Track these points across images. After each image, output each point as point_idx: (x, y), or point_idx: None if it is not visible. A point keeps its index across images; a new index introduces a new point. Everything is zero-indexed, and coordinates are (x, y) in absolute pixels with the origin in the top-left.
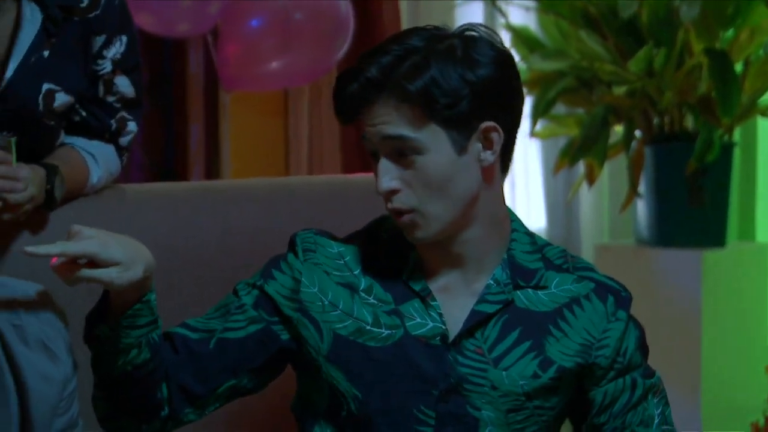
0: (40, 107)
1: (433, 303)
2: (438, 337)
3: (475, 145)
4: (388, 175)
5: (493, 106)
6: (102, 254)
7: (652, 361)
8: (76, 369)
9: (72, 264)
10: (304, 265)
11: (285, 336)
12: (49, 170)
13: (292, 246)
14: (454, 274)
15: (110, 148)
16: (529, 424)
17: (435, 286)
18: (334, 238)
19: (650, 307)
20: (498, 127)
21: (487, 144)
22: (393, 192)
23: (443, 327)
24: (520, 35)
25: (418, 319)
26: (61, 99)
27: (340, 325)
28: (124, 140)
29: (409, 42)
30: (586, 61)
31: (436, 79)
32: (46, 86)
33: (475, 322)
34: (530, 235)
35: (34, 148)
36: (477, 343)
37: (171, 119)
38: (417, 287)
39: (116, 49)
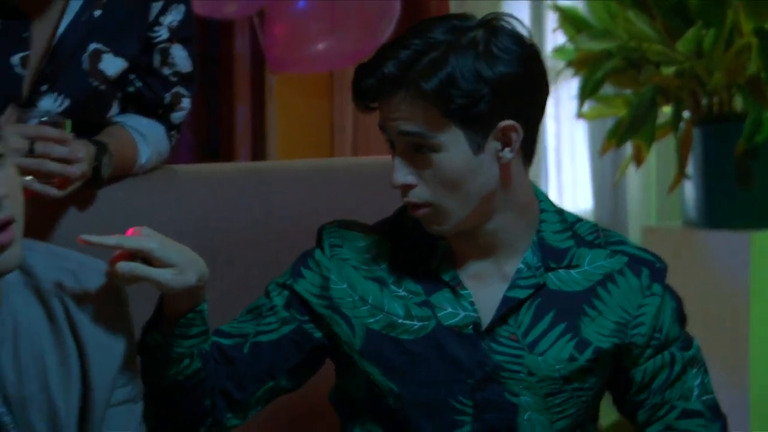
0: (84, 66)
1: (463, 292)
2: (471, 326)
3: (493, 144)
4: (403, 170)
5: (514, 104)
6: (158, 252)
7: (699, 344)
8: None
9: (128, 259)
10: (331, 261)
11: (318, 334)
12: (98, 147)
13: (318, 241)
14: (484, 261)
15: (160, 129)
16: (568, 407)
17: (465, 274)
18: (361, 229)
19: (697, 289)
20: (517, 125)
21: (506, 142)
22: (408, 186)
23: (475, 315)
24: (568, 15)
25: (450, 309)
26: (111, 61)
27: (372, 320)
28: (176, 116)
29: (430, 35)
30: (634, 42)
31: (453, 78)
32: (93, 46)
33: (508, 309)
34: (560, 212)
35: (85, 117)
36: (511, 330)
37: (217, 100)
38: (446, 277)
39: (173, 17)
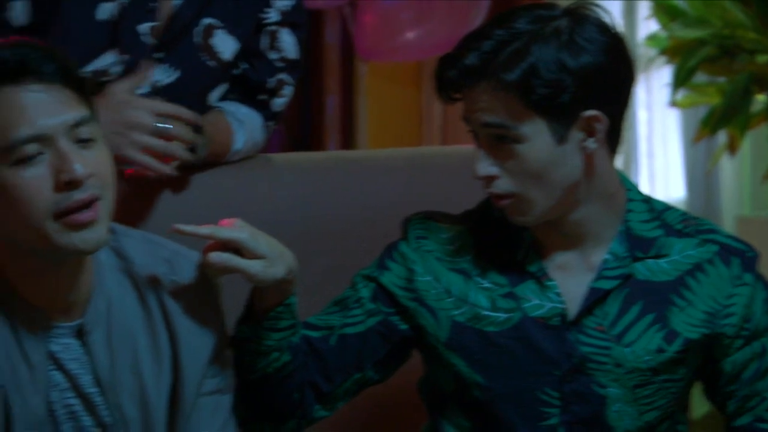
0: (196, 39)
1: (549, 283)
2: (557, 318)
3: (577, 134)
4: (485, 162)
5: (598, 95)
6: (249, 243)
7: None
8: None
9: (220, 250)
10: (416, 253)
11: (404, 326)
12: (196, 129)
13: (404, 233)
14: (569, 252)
15: (258, 118)
16: (657, 398)
17: (551, 264)
18: (446, 221)
19: None
20: (602, 115)
21: (590, 132)
22: (491, 178)
23: (561, 307)
24: (662, 3)
25: (536, 301)
26: (223, 39)
27: (457, 312)
28: (277, 103)
29: (513, 25)
30: (728, 29)
31: (535, 69)
32: (207, 20)
33: (594, 300)
34: (647, 201)
35: (190, 92)
36: (597, 321)
37: (307, 90)
38: (532, 268)
39: (286, 1)
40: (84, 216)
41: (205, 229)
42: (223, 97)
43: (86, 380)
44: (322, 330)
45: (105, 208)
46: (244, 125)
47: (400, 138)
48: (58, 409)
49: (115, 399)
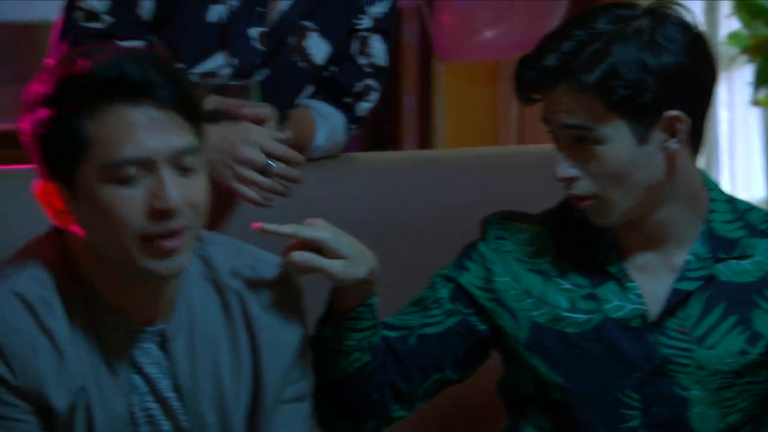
0: (290, 41)
1: (630, 284)
2: (638, 319)
3: (658, 134)
4: (566, 163)
5: (680, 95)
6: (332, 243)
7: None
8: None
9: (301, 249)
10: (495, 253)
11: (482, 327)
12: (282, 119)
13: (482, 233)
14: (650, 252)
15: (342, 119)
16: (740, 400)
17: (632, 265)
18: (524, 221)
19: None
20: (683, 116)
21: (672, 132)
22: (571, 179)
23: (642, 308)
24: (744, 1)
25: (616, 302)
26: (317, 42)
27: (537, 313)
28: (363, 107)
29: (593, 25)
30: None
31: (616, 69)
32: (303, 22)
33: (676, 301)
34: (730, 201)
35: (277, 93)
36: (679, 323)
37: (385, 89)
38: (613, 269)
39: (380, 8)
40: (170, 244)
41: (287, 228)
42: (310, 97)
43: (165, 385)
44: (401, 330)
45: (192, 236)
46: (327, 122)
47: (476, 137)
48: (137, 412)
49: (195, 405)
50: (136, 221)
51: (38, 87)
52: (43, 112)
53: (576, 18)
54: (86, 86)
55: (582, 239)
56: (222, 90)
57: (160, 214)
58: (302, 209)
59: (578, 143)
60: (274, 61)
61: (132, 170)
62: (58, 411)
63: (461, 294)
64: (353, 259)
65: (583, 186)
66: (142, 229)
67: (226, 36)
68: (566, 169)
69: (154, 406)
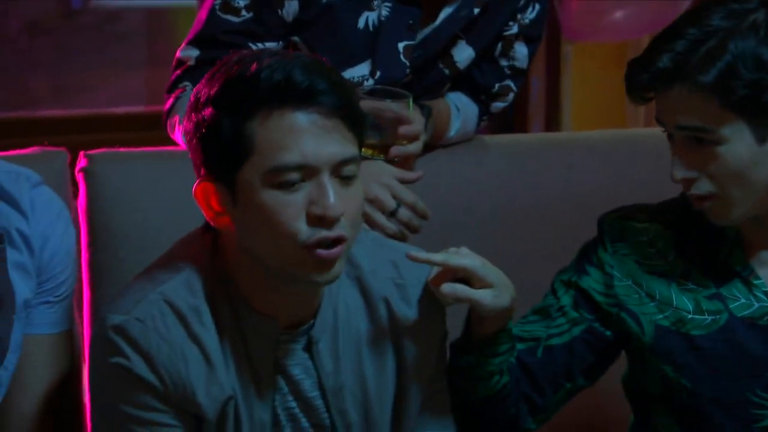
0: (436, 48)
1: (756, 282)
2: (766, 317)
3: None
4: (682, 164)
5: None
6: (480, 271)
7: None
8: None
9: (446, 277)
10: (613, 258)
11: (608, 332)
12: (425, 112)
13: (600, 234)
14: None
15: (475, 110)
16: None
17: (757, 262)
18: (642, 218)
19: None
20: None
21: None
22: (689, 180)
23: None
24: None
25: (743, 300)
26: (462, 48)
27: (661, 316)
28: (497, 105)
29: (707, 22)
30: None
31: (734, 68)
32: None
33: None
34: None
35: (423, 86)
36: None
37: None
38: (737, 267)
39: (530, 15)
40: (330, 253)
41: (437, 257)
42: (447, 90)
43: (308, 384)
44: (528, 342)
45: (348, 247)
46: (461, 113)
47: (604, 120)
48: (281, 412)
49: (340, 404)
50: (296, 228)
51: (205, 88)
52: (209, 113)
53: (688, 15)
54: (255, 90)
55: (703, 236)
56: (378, 96)
57: (319, 221)
58: (433, 192)
59: (696, 144)
60: (417, 69)
61: (294, 176)
62: (207, 418)
63: (583, 300)
64: (499, 287)
65: (703, 186)
66: (301, 236)
67: (374, 45)
68: (684, 170)
69: (294, 405)
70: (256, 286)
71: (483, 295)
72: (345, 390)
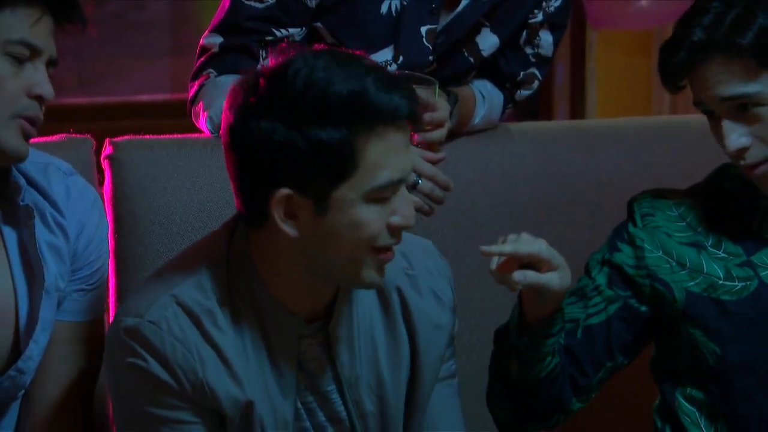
0: (459, 35)
1: None
2: None
3: None
4: (734, 134)
5: None
6: (546, 254)
7: None
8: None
9: (511, 265)
10: (644, 231)
11: (644, 308)
12: (451, 99)
13: (630, 213)
14: None
15: (500, 98)
16: None
17: None
18: (672, 197)
19: None
20: None
21: None
22: (743, 150)
23: None
24: None
25: None
26: (486, 36)
27: (692, 283)
28: (523, 93)
29: None
30: None
31: (765, 27)
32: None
33: None
34: None
35: (444, 82)
36: None
37: None
38: None
39: (553, 3)
40: (389, 257)
41: (508, 247)
42: (473, 77)
43: (324, 378)
44: (567, 324)
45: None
46: (485, 100)
47: (629, 107)
48: (300, 407)
49: (355, 395)
50: (376, 236)
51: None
52: (309, 131)
53: None
54: (361, 110)
55: (734, 210)
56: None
57: (398, 229)
58: (457, 179)
59: (741, 111)
60: (441, 56)
61: (389, 192)
62: (229, 417)
63: (617, 275)
64: (563, 268)
65: (757, 152)
66: (380, 241)
67: (397, 30)
68: (737, 139)
69: (312, 399)
70: (291, 286)
71: (551, 278)
72: (361, 381)
